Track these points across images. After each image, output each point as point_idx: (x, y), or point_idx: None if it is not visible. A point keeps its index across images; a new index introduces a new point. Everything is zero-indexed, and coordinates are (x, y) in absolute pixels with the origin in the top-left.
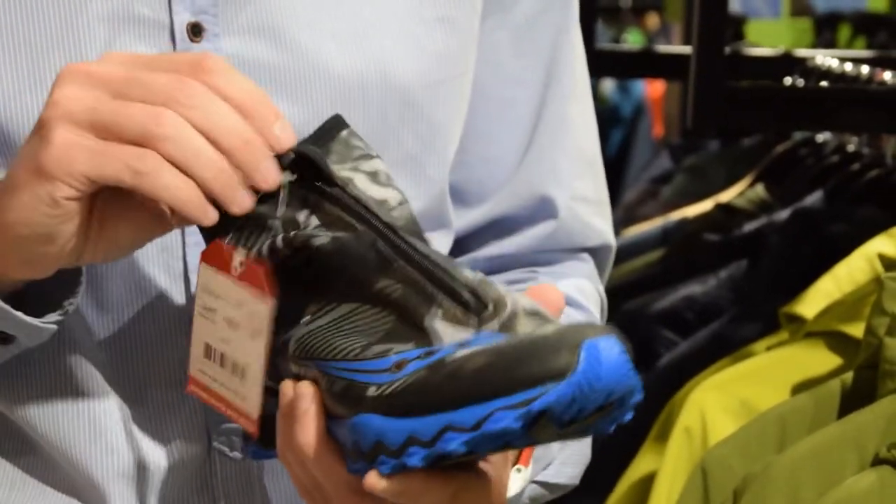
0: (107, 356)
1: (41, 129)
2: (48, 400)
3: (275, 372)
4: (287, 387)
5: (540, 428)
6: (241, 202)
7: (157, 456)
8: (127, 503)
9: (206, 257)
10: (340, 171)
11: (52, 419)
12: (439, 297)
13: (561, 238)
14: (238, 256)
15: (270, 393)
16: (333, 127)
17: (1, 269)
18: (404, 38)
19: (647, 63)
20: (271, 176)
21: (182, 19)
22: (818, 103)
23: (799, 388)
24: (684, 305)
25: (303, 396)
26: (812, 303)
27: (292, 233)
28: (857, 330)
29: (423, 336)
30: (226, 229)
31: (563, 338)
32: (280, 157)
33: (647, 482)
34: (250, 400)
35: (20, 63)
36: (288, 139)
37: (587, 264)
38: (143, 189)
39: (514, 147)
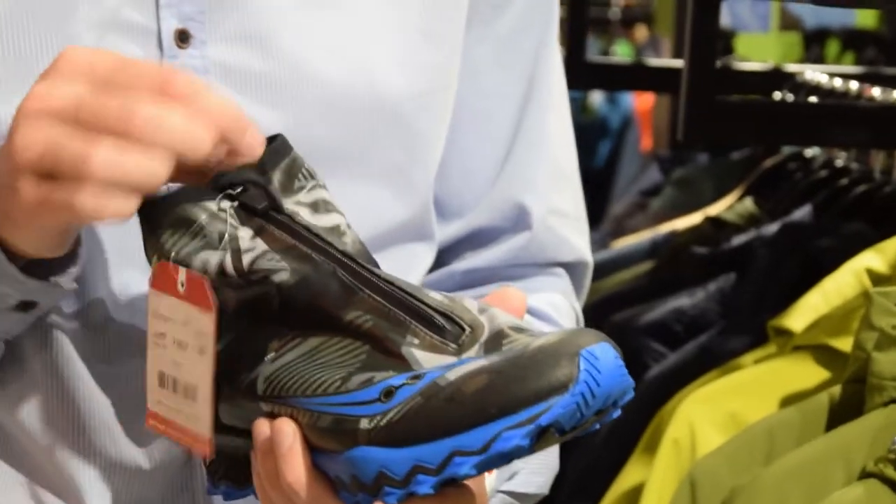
0: (90, 358)
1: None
2: (33, 400)
3: (241, 412)
4: (262, 425)
5: (545, 440)
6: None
7: (138, 457)
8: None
9: (153, 283)
10: (285, 202)
11: (36, 418)
12: (412, 324)
13: (534, 251)
14: (181, 275)
15: (236, 433)
16: (278, 152)
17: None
18: (391, 48)
19: (637, 76)
20: (258, 139)
21: (169, 25)
22: (809, 118)
23: (787, 402)
24: (673, 318)
25: (284, 433)
26: (800, 316)
27: (247, 262)
28: (844, 344)
29: (402, 364)
30: (161, 228)
31: (559, 349)
32: (221, 178)
33: (635, 494)
34: (202, 421)
35: (8, 71)
36: (259, 146)
37: (561, 279)
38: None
39: (493, 160)
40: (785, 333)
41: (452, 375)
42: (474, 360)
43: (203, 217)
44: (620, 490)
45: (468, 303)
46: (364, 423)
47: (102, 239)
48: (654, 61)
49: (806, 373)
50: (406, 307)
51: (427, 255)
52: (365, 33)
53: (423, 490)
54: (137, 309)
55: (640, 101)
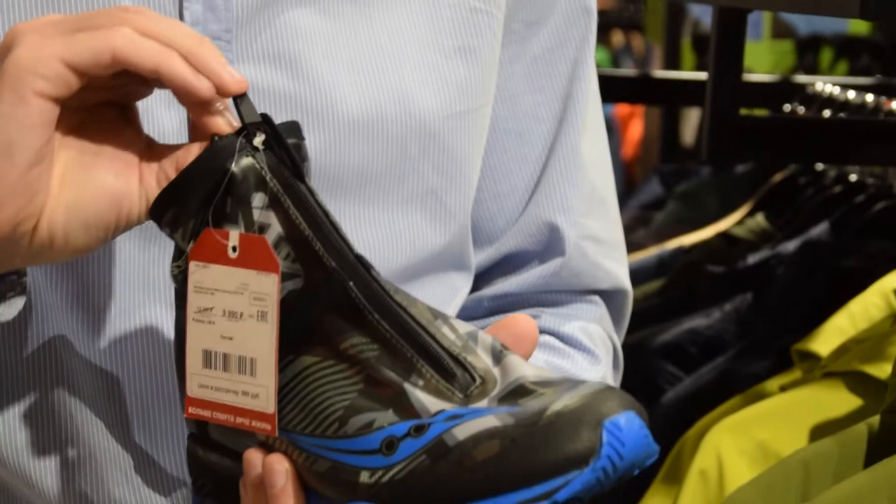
0: (109, 403)
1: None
2: (45, 450)
3: (231, 434)
4: (254, 457)
5: None
6: (233, 75)
7: (150, 496)
8: None
9: (195, 254)
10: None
11: (48, 471)
12: (419, 363)
13: (567, 277)
14: (233, 239)
15: (225, 452)
16: (290, 132)
17: None
18: (424, 68)
19: (644, 88)
20: (237, 75)
21: None
22: (838, 135)
23: (819, 431)
24: (688, 339)
25: (276, 473)
26: (826, 340)
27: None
28: (878, 370)
29: (399, 401)
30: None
31: (580, 417)
32: (246, 127)
33: None
34: (263, 395)
35: None
36: (239, 83)
37: (598, 307)
38: (126, 60)
39: (525, 183)
40: (810, 357)
41: (461, 434)
42: (483, 414)
43: (235, 171)
44: None
45: (482, 345)
46: (364, 477)
47: (124, 272)
48: (659, 74)
49: (839, 401)
50: (415, 342)
51: (464, 284)
52: (396, 53)
53: None
54: (161, 346)
55: (618, 108)
